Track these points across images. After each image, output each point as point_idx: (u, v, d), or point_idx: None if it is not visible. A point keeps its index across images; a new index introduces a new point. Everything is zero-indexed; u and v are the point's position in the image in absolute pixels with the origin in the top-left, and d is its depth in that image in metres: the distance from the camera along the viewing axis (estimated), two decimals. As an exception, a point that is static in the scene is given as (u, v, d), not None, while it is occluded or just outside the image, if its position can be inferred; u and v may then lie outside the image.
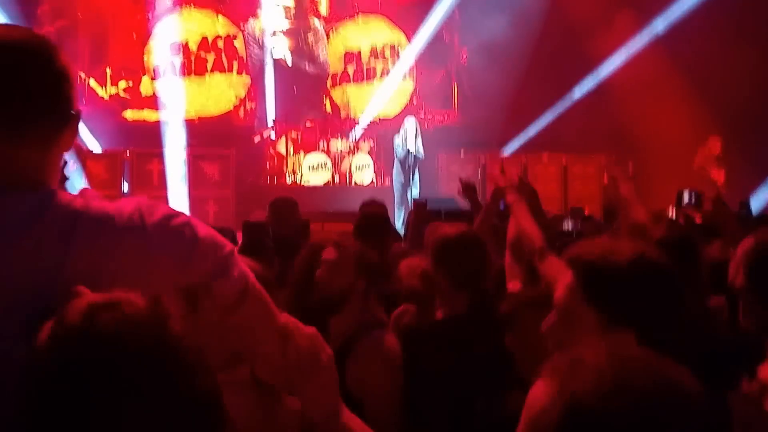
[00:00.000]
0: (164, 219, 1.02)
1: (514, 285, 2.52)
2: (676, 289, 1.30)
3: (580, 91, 10.62)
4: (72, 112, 1.03)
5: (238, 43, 10.14)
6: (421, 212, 4.82)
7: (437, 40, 10.54)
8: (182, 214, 1.06)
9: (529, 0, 9.91)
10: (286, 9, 9.90)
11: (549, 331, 1.30)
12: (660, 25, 10.25)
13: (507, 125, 10.56)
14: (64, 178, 4.03)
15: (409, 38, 10.54)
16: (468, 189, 4.13)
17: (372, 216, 3.71)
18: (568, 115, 10.53)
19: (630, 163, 9.99)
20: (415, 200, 4.48)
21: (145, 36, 10.11)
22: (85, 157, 8.81)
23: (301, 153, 9.64)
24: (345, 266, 2.35)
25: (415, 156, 9.39)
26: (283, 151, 9.61)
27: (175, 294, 0.99)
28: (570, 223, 5.84)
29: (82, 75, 9.91)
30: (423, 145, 9.43)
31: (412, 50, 10.45)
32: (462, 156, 10.44)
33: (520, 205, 2.61)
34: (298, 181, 9.59)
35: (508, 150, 10.81)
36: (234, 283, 1.05)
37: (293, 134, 9.67)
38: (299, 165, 9.59)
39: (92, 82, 9.99)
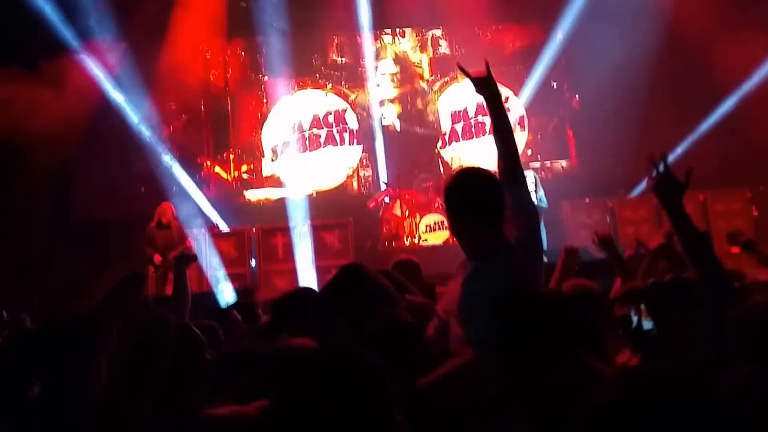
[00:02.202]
0: None
1: None
2: None
3: (712, 119, 9.81)
4: None
5: (348, 116, 10.43)
6: (572, 260, 4.03)
7: (546, 89, 10.29)
8: None
9: (640, 31, 9.46)
10: (392, 76, 10.11)
11: None
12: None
13: (632, 166, 9.89)
14: (193, 258, 4.07)
15: (516, 90, 10.37)
16: (605, 242, 3.81)
17: None
18: (702, 147, 9.72)
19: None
20: (566, 246, 3.88)
21: (262, 119, 10.69)
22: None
23: (417, 215, 9.52)
24: None
25: (538, 207, 8.98)
26: (398, 213, 9.54)
27: None
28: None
29: (209, 163, 10.56)
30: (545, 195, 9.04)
31: (520, 101, 10.25)
32: (587, 202, 9.86)
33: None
34: (416, 242, 9.41)
35: (637, 192, 10.08)
36: None
37: (407, 197, 9.61)
38: (416, 226, 9.44)
39: (217, 168, 10.60)
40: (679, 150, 9.85)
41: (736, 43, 9.54)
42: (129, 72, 9.83)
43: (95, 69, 9.78)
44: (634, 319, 2.42)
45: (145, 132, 10.04)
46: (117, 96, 9.87)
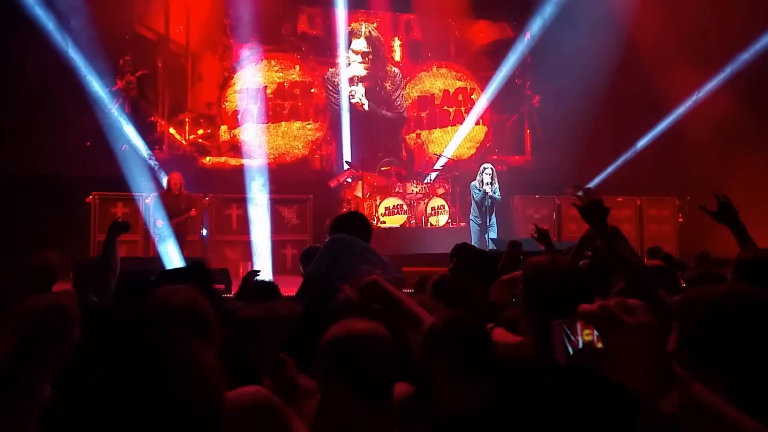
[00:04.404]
0: None
1: None
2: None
3: (654, 133, 10.58)
4: None
5: (315, 91, 10.27)
6: (515, 252, 4.70)
7: (509, 85, 10.62)
8: None
9: (601, 44, 9.98)
10: (364, 56, 10.04)
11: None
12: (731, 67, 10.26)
13: (581, 168, 10.51)
14: (125, 227, 4.01)
15: (481, 84, 10.63)
16: (542, 234, 4.17)
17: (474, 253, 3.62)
18: (643, 157, 10.47)
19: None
20: (510, 240, 4.50)
21: (224, 84, 10.30)
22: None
23: (378, 197, 9.62)
24: None
25: (492, 198, 9.35)
26: (359, 194, 9.60)
27: None
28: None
29: (163, 123, 10.08)
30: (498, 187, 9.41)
31: (484, 95, 10.52)
32: (537, 198, 10.36)
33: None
34: (374, 224, 9.52)
35: (582, 192, 10.71)
36: None
37: (369, 178, 9.68)
38: (375, 208, 9.54)
39: (171, 130, 10.14)
40: (623, 158, 10.57)
41: (681, 70, 10.31)
42: (82, 17, 9.15)
43: (45, 11, 9.04)
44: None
45: (95, 83, 9.43)
46: (66, 41, 9.18)
